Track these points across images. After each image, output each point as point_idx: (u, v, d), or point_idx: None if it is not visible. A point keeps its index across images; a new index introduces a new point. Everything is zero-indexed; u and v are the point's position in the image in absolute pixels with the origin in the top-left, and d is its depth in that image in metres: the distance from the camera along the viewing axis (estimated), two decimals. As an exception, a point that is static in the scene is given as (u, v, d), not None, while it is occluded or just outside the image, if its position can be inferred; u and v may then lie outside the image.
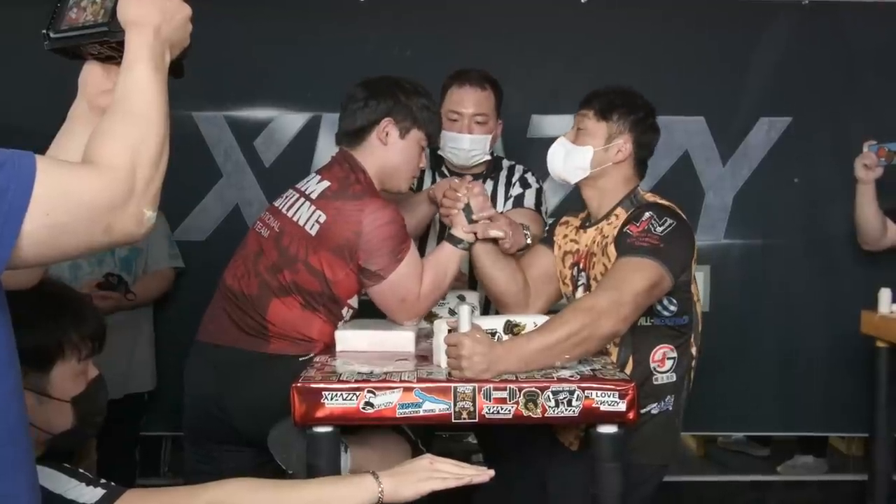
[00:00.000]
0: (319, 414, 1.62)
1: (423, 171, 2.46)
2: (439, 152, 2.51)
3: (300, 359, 1.94)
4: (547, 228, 2.28)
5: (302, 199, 2.04)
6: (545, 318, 1.87)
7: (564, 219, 2.23)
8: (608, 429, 1.66)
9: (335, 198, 1.99)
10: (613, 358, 1.96)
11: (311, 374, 1.72)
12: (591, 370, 1.74)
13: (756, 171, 3.29)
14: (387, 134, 2.06)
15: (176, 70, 1.20)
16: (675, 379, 1.99)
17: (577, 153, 2.02)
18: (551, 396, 1.62)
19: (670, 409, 2.00)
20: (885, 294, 2.52)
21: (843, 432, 3.52)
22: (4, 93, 3.08)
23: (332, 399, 1.62)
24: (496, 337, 1.79)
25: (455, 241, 2.07)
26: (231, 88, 3.21)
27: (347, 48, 3.19)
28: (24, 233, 0.94)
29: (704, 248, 3.28)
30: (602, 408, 1.63)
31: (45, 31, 1.20)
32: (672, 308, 1.96)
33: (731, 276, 3.31)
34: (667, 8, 3.26)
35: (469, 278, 2.46)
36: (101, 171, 1.01)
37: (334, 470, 1.67)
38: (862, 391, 3.05)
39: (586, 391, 1.63)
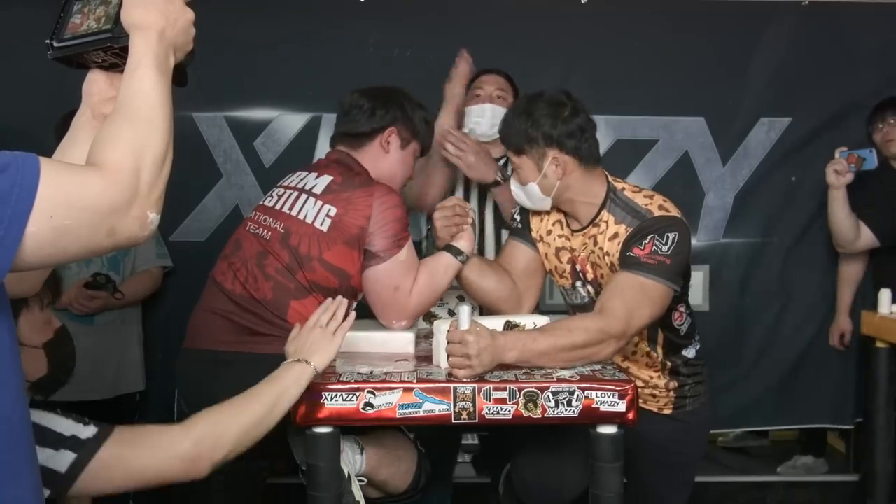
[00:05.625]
0: (319, 414, 1.63)
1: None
2: (464, 129, 2.68)
3: None
4: (518, 219, 2.21)
5: (305, 196, 2.01)
6: (544, 318, 1.88)
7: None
8: (608, 429, 1.66)
9: (342, 189, 1.99)
10: (644, 333, 2.02)
11: (311, 374, 1.72)
12: (591, 370, 1.74)
13: (756, 172, 3.29)
14: (388, 142, 2.12)
15: (179, 78, 1.19)
16: (690, 321, 2.12)
17: (528, 191, 2.03)
18: (551, 397, 1.62)
19: (700, 342, 2.16)
20: (885, 294, 2.52)
21: (840, 425, 3.51)
22: (6, 94, 3.08)
23: (331, 399, 1.62)
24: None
25: (456, 252, 2.06)
26: (231, 88, 3.21)
27: (347, 48, 3.19)
28: (27, 235, 0.94)
29: (704, 248, 3.29)
30: (602, 408, 1.63)
31: (48, 41, 1.20)
32: (681, 283, 2.00)
33: (731, 275, 3.31)
34: (667, 8, 3.26)
35: None
36: (104, 173, 1.01)
37: (335, 470, 1.67)
38: (861, 391, 3.06)
39: (586, 391, 1.63)
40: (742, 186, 3.30)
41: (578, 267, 2.07)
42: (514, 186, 2.07)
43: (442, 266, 2.05)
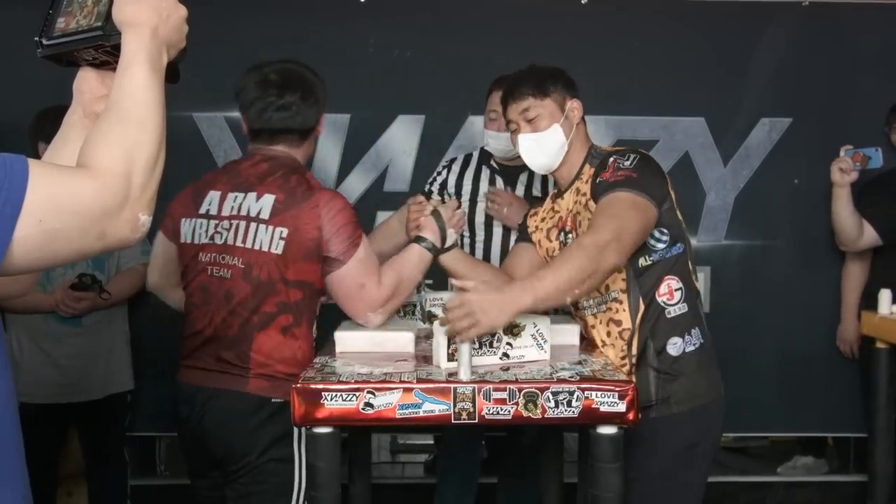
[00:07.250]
0: (319, 414, 1.62)
1: (476, 169, 2.81)
2: (485, 147, 2.79)
3: (273, 400, 1.97)
4: (518, 225, 2.34)
5: (254, 225, 1.98)
6: (545, 318, 1.87)
7: (532, 210, 2.27)
8: (608, 429, 1.65)
9: (287, 208, 1.97)
10: (625, 304, 1.96)
11: (311, 374, 1.72)
12: (591, 371, 1.74)
13: (757, 172, 3.29)
14: (318, 126, 2.13)
15: (171, 75, 1.17)
16: (687, 309, 1.98)
17: (548, 137, 2.04)
18: (551, 397, 1.62)
19: (703, 342, 2.00)
20: (885, 295, 2.52)
21: (843, 432, 3.51)
22: (6, 94, 3.08)
23: (331, 399, 1.62)
24: (496, 337, 1.80)
25: (420, 240, 2.12)
26: (231, 89, 3.20)
27: (347, 48, 3.19)
28: (16, 239, 0.93)
29: (705, 248, 3.29)
30: (602, 409, 1.62)
31: (37, 39, 1.17)
32: (665, 238, 1.97)
33: (732, 276, 3.31)
34: (667, 8, 3.26)
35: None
36: (95, 175, 0.99)
37: (334, 470, 1.67)
38: (862, 391, 3.05)
39: (586, 392, 1.63)
40: (743, 187, 3.30)
41: (566, 231, 2.10)
42: (527, 141, 2.06)
43: (415, 256, 2.10)
